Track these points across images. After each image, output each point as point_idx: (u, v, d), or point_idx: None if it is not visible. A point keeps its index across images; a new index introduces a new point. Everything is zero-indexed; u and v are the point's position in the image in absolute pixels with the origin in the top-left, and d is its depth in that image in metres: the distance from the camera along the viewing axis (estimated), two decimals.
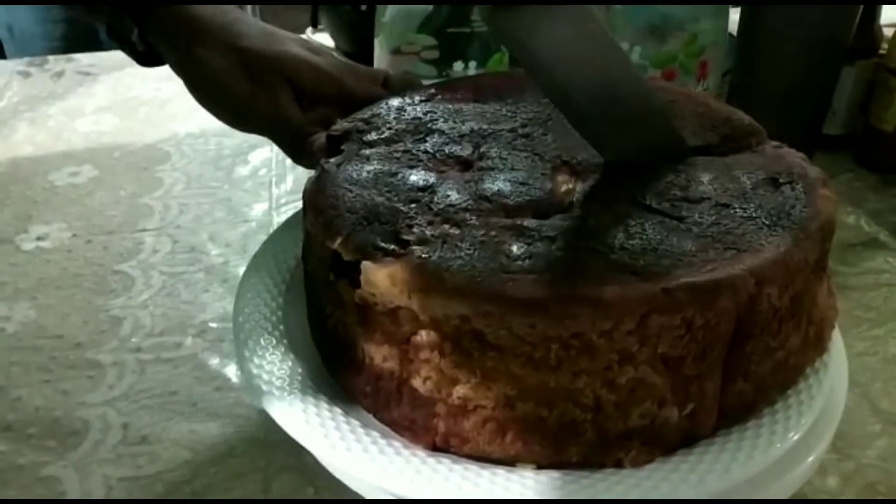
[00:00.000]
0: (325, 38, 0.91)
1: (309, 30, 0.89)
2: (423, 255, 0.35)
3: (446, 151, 0.43)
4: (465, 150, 0.43)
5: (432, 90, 0.50)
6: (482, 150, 0.43)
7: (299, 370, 0.41)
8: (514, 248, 0.36)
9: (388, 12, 0.71)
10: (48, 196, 0.71)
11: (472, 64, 0.69)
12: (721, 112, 0.48)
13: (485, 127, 0.45)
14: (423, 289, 0.34)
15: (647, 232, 0.37)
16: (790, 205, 0.39)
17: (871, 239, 0.67)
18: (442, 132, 0.45)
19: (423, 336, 0.35)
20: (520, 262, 0.35)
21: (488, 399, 0.35)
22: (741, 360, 0.37)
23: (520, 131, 0.45)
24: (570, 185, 0.41)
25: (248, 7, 1.37)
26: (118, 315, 0.57)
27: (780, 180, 0.41)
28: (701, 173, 0.42)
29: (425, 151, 0.43)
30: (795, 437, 0.38)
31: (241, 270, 0.60)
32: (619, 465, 0.36)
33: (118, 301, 0.59)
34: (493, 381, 0.35)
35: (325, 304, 0.40)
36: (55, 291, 0.60)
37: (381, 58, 0.72)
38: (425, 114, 0.47)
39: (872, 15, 0.75)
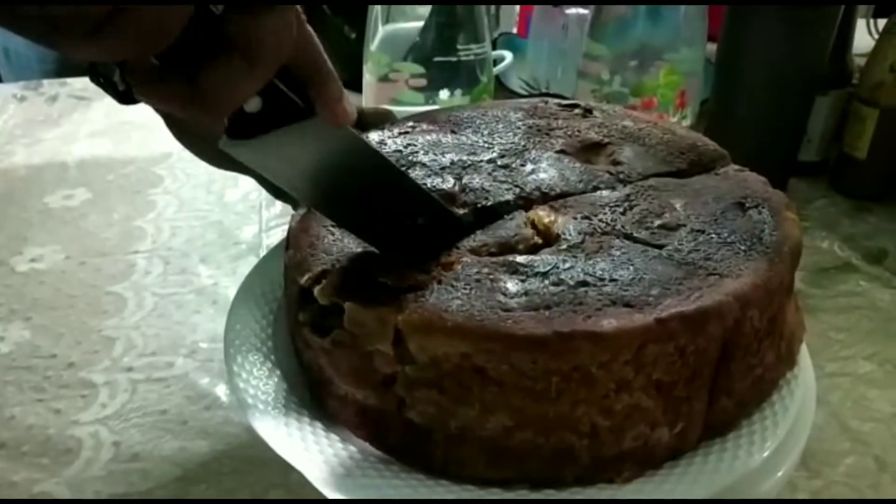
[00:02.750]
0: None
1: None
2: (421, 297, 0.36)
3: (428, 185, 0.44)
4: (446, 183, 0.44)
5: (410, 123, 0.51)
6: (464, 181, 0.45)
7: (285, 388, 0.42)
8: (510, 286, 0.37)
9: (376, 41, 0.73)
10: (43, 218, 0.73)
11: (458, 92, 0.71)
12: (687, 139, 0.51)
13: (464, 158, 0.47)
14: (424, 329, 0.35)
15: (634, 262, 0.39)
16: (759, 229, 0.42)
17: (844, 263, 0.69)
18: (423, 164, 0.46)
19: (419, 375, 0.36)
20: (517, 300, 0.36)
21: (486, 430, 0.36)
22: (726, 379, 0.39)
23: (498, 162, 0.47)
24: (552, 218, 0.42)
25: None
26: (111, 335, 0.59)
27: (747, 204, 0.44)
28: (673, 199, 0.44)
29: None
30: (773, 447, 0.39)
31: (232, 292, 0.62)
32: (609, 482, 0.37)
33: (111, 322, 0.60)
34: (492, 412, 0.36)
35: (295, 340, 0.42)
36: (49, 312, 0.61)
37: (369, 85, 0.74)
38: (406, 146, 0.48)
39: (845, 45, 0.78)
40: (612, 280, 0.37)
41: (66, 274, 0.65)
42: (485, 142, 0.49)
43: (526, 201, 0.44)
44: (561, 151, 0.48)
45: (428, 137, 0.49)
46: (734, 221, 0.42)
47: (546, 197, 0.44)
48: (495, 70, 0.81)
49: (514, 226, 0.42)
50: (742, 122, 0.75)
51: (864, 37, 0.87)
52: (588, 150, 0.49)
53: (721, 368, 0.38)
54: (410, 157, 0.47)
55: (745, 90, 0.74)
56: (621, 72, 0.73)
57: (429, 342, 0.35)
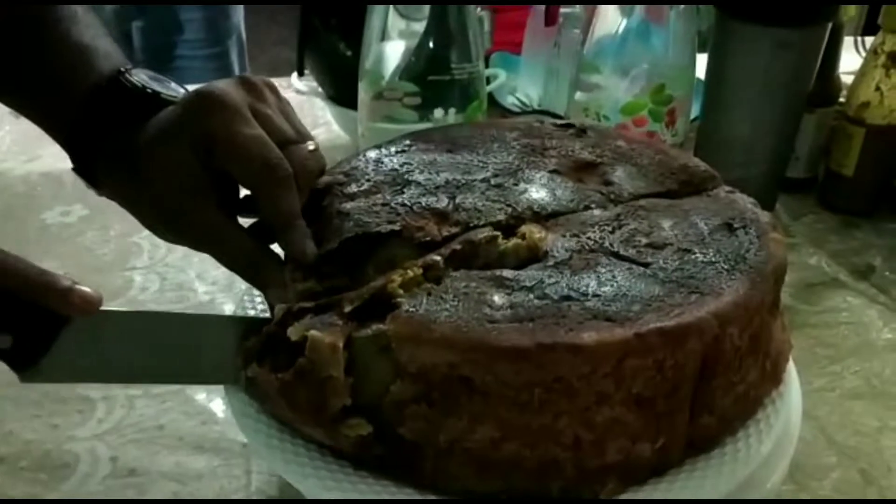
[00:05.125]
0: (310, 84, 0.94)
1: (294, 75, 0.92)
2: (411, 308, 0.38)
3: (423, 204, 0.45)
4: (440, 202, 0.45)
5: (407, 141, 0.52)
6: (457, 201, 0.45)
7: None
8: (497, 299, 0.38)
9: (371, 58, 0.74)
10: (40, 235, 0.73)
11: (452, 110, 0.72)
12: (679, 160, 0.52)
13: (459, 177, 0.48)
14: (413, 339, 0.37)
15: (617, 279, 0.40)
16: (745, 249, 0.43)
17: (831, 279, 0.70)
18: (418, 183, 0.47)
19: (407, 390, 0.37)
20: (502, 312, 0.37)
21: (474, 441, 0.37)
22: (707, 396, 0.40)
23: (492, 181, 0.47)
24: (542, 235, 0.43)
25: (235, 48, 1.40)
26: None
27: (735, 225, 0.45)
28: (662, 220, 0.45)
29: (403, 204, 0.45)
30: (756, 464, 0.40)
31: (228, 308, 0.63)
32: (595, 498, 0.38)
33: None
34: (480, 423, 0.37)
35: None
36: None
37: (364, 102, 0.75)
38: (402, 165, 0.49)
39: (832, 65, 0.79)
40: (595, 295, 0.38)
41: None
42: (479, 161, 0.50)
43: (517, 220, 0.45)
44: (554, 171, 0.49)
45: (424, 156, 0.50)
46: (721, 242, 0.43)
47: (537, 216, 0.45)
48: (488, 88, 0.82)
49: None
50: (731, 139, 0.76)
51: (851, 55, 0.88)
52: (580, 170, 0.50)
53: (702, 385, 0.39)
54: (406, 176, 0.48)
55: (733, 108, 0.75)
56: (612, 90, 0.74)
57: (418, 352, 0.37)
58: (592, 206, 0.47)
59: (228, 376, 0.42)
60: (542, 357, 0.35)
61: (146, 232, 0.73)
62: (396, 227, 0.43)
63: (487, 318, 0.37)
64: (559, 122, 0.56)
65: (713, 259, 0.42)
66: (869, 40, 0.80)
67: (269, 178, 0.43)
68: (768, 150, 0.76)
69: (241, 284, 0.52)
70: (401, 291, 0.39)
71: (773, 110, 0.74)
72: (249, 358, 0.41)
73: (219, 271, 0.68)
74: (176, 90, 0.49)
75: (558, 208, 0.46)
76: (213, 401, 0.55)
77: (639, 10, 0.72)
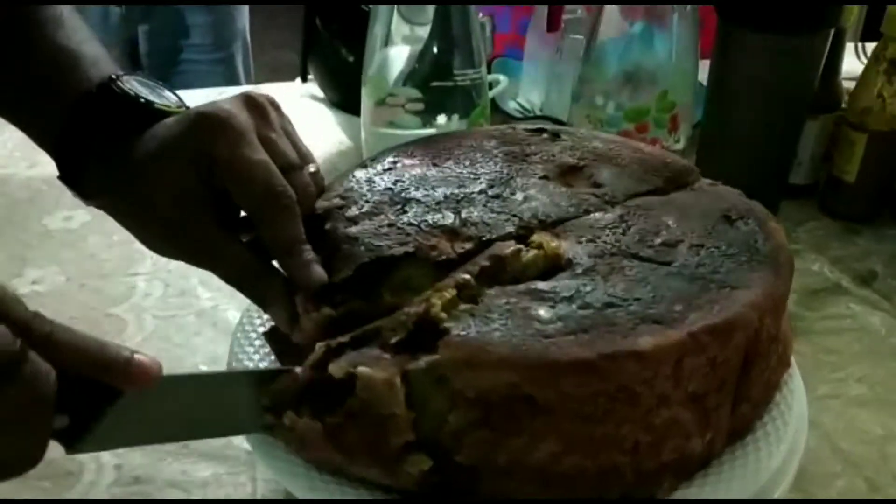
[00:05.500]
0: (314, 89, 0.94)
1: (298, 80, 0.92)
2: (461, 332, 0.37)
3: (430, 222, 0.44)
4: (447, 219, 0.45)
5: (391, 157, 0.51)
6: (463, 216, 0.45)
7: None
8: (543, 313, 0.38)
9: (374, 64, 0.74)
10: (43, 240, 0.73)
11: (455, 116, 0.72)
12: (657, 156, 0.53)
13: (456, 192, 0.47)
14: (470, 363, 0.36)
15: (649, 280, 0.40)
16: (753, 239, 0.44)
17: (834, 285, 0.70)
18: (418, 201, 0.46)
19: (465, 417, 0.37)
20: (554, 326, 0.37)
21: (535, 458, 0.37)
22: (746, 386, 0.42)
23: (490, 193, 0.47)
24: (556, 243, 0.43)
25: (240, 53, 1.39)
26: None
27: (732, 216, 0.46)
28: (664, 217, 0.46)
29: (410, 224, 0.44)
30: (786, 449, 0.42)
31: (231, 314, 0.63)
32: (651, 498, 0.39)
33: None
34: (542, 440, 0.37)
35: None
36: None
37: (367, 108, 0.75)
38: (395, 183, 0.48)
39: (834, 70, 0.79)
40: (635, 299, 0.39)
41: (66, 296, 0.66)
42: (469, 172, 0.50)
43: (526, 230, 0.45)
44: (544, 177, 0.49)
45: (414, 172, 0.50)
46: (727, 234, 0.45)
47: (543, 224, 0.45)
48: (491, 94, 0.83)
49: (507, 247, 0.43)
50: (734, 145, 0.76)
51: (852, 61, 0.88)
52: (567, 174, 0.51)
53: (742, 376, 0.41)
54: (403, 194, 0.47)
55: (736, 114, 0.75)
56: (615, 96, 0.74)
57: (476, 376, 0.36)
58: (592, 209, 0.47)
59: (257, 426, 0.42)
60: (606, 367, 0.36)
61: None
62: (410, 249, 0.43)
63: (541, 334, 0.37)
64: (530, 127, 0.56)
65: (728, 252, 0.43)
66: (869, 46, 0.80)
67: (274, 204, 0.43)
68: (771, 156, 0.76)
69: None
70: (445, 316, 0.38)
71: (776, 116, 0.74)
72: (283, 405, 0.40)
73: None
74: (169, 98, 0.49)
75: (561, 215, 0.46)
76: None
77: (642, 15, 0.72)
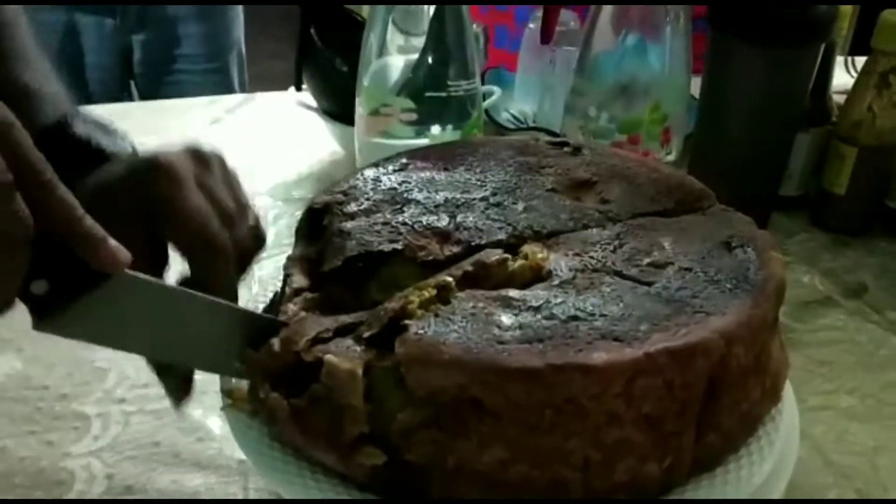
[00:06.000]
0: (307, 99, 0.94)
1: (292, 89, 0.92)
2: (420, 331, 0.37)
3: (424, 223, 0.45)
4: (441, 221, 0.46)
5: (404, 160, 0.52)
6: (458, 220, 0.46)
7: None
8: (505, 319, 0.38)
9: (369, 74, 0.74)
10: None
11: (449, 127, 0.72)
12: (674, 177, 0.52)
13: (458, 196, 0.48)
14: (423, 361, 0.36)
15: (623, 298, 0.40)
16: (745, 267, 0.43)
17: (824, 297, 0.70)
18: (418, 202, 0.47)
19: (416, 416, 0.37)
20: (511, 333, 0.37)
21: (483, 463, 0.37)
22: (713, 415, 0.40)
23: (491, 200, 0.48)
24: (544, 255, 0.43)
25: (235, 63, 1.40)
26: (103, 366, 0.59)
27: (733, 244, 0.45)
28: (662, 238, 0.45)
29: (404, 223, 0.45)
30: (759, 482, 0.41)
31: None
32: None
33: (103, 353, 0.60)
34: (489, 445, 0.37)
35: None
36: (41, 342, 0.61)
37: (361, 118, 0.76)
38: (400, 184, 0.49)
39: (825, 84, 0.80)
40: (602, 315, 0.38)
41: None
42: (477, 179, 0.50)
43: (518, 239, 0.45)
44: (552, 189, 0.50)
45: (422, 175, 0.50)
46: (721, 260, 0.44)
47: (538, 235, 0.46)
48: (484, 104, 0.83)
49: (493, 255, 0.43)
50: (725, 157, 0.76)
51: (842, 74, 0.89)
52: (577, 188, 0.51)
53: (708, 404, 0.39)
54: (405, 195, 0.48)
55: (727, 127, 0.76)
56: (608, 108, 0.74)
57: (427, 375, 0.36)
58: (591, 224, 0.47)
59: (230, 370, 0.42)
60: (553, 378, 0.35)
61: None
62: (399, 247, 0.43)
63: (497, 339, 0.37)
64: (554, 140, 0.57)
65: (715, 278, 0.42)
66: (859, 60, 0.81)
67: (207, 250, 0.43)
68: (762, 169, 0.77)
69: (243, 297, 0.52)
70: (420, 314, 0.39)
71: (767, 129, 0.75)
72: (262, 379, 0.40)
73: None
74: (122, 144, 0.49)
75: (558, 227, 0.46)
76: (210, 418, 0.54)
77: (635, 27, 0.73)
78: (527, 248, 0.44)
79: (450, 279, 0.41)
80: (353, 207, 0.47)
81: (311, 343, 0.39)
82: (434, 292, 0.40)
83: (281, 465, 0.40)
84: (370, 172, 0.51)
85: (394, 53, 0.74)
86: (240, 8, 1.40)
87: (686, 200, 0.50)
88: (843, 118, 0.77)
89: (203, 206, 0.44)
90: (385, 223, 0.45)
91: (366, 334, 0.39)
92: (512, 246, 0.45)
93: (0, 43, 0.50)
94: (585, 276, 0.42)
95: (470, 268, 0.42)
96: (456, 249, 0.44)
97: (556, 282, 0.41)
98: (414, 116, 0.72)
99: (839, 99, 0.80)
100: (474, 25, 0.78)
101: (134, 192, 0.44)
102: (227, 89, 1.36)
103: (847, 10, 0.80)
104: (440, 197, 0.48)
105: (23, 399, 0.56)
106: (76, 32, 1.26)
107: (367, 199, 0.48)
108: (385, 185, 0.49)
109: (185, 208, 0.43)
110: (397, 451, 0.38)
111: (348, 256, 0.43)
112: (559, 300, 0.39)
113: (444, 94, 0.72)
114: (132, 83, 1.37)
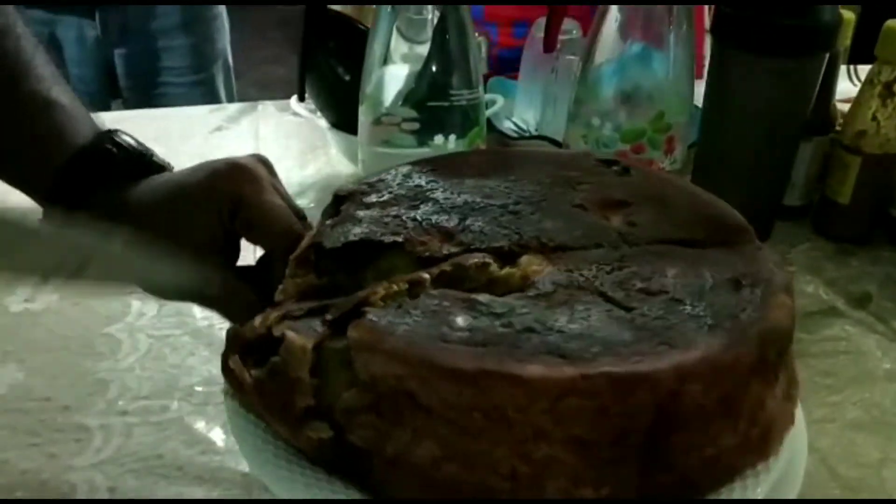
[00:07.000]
0: (310, 107, 0.94)
1: (294, 98, 0.92)
2: (374, 318, 0.38)
3: (432, 221, 0.46)
4: (450, 222, 0.46)
5: (444, 160, 0.54)
6: (467, 222, 0.46)
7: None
8: (460, 320, 0.38)
9: (372, 83, 0.74)
10: None
11: (452, 137, 0.72)
12: (713, 208, 0.50)
13: (478, 200, 0.48)
14: (368, 347, 0.37)
15: (590, 318, 0.39)
16: (741, 307, 0.40)
17: (829, 307, 0.70)
18: (436, 201, 0.48)
19: (359, 398, 0.38)
20: (459, 334, 0.37)
21: (417, 457, 0.37)
22: (663, 452, 0.38)
23: (510, 208, 0.48)
24: (540, 267, 0.43)
25: (220, 74, 1.39)
26: (105, 378, 0.59)
27: (743, 283, 0.42)
28: (670, 267, 0.43)
29: (413, 219, 0.46)
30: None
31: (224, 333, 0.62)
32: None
33: (105, 364, 0.60)
34: (422, 439, 0.37)
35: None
36: (43, 354, 0.61)
37: (364, 127, 0.75)
38: (427, 182, 0.50)
39: (828, 93, 0.80)
40: (559, 331, 0.38)
41: (60, 315, 0.65)
42: (506, 187, 0.50)
43: (521, 248, 0.45)
44: (578, 206, 0.48)
45: (454, 178, 0.51)
46: (720, 297, 0.41)
47: (543, 247, 0.45)
48: (487, 113, 0.83)
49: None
50: (729, 166, 0.76)
51: (845, 83, 0.89)
52: (607, 208, 0.49)
53: (657, 439, 0.37)
54: (427, 193, 0.49)
55: (731, 136, 0.76)
56: (611, 117, 0.74)
57: (371, 361, 0.37)
58: (604, 244, 0.45)
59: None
60: (482, 383, 0.35)
61: None
62: (399, 239, 0.44)
63: (442, 337, 0.37)
64: (605, 158, 0.55)
65: (700, 314, 0.40)
66: (862, 69, 0.81)
67: (290, 243, 0.47)
68: (766, 178, 0.77)
69: None
70: (382, 304, 0.40)
71: (771, 138, 0.75)
72: (234, 351, 0.42)
73: None
74: (157, 153, 0.54)
75: (567, 242, 0.45)
76: (213, 430, 0.54)
77: (639, 36, 0.73)
78: (525, 259, 0.44)
79: (426, 276, 0.42)
80: (373, 198, 0.48)
81: (282, 319, 0.40)
82: (405, 286, 0.41)
83: (272, 460, 0.41)
84: (404, 168, 0.52)
85: (398, 62, 0.74)
86: (224, 18, 1.38)
87: (718, 233, 0.47)
88: (847, 127, 0.77)
89: (282, 204, 0.49)
90: (396, 216, 0.46)
91: (329, 316, 0.39)
92: (512, 254, 0.44)
93: (17, 57, 0.51)
94: (566, 292, 0.41)
95: (448, 268, 0.42)
96: (455, 249, 0.44)
97: (532, 293, 0.41)
98: (416, 126, 0.72)
99: (843, 108, 0.80)
100: (477, 34, 0.78)
101: (219, 192, 0.48)
102: (214, 100, 1.35)
103: (850, 18, 0.80)
104: (460, 199, 0.48)
105: (25, 411, 0.55)
106: (58, 46, 1.24)
107: (390, 193, 0.49)
108: (412, 182, 0.50)
109: (270, 207, 0.48)
110: (342, 431, 0.39)
111: (349, 241, 0.44)
112: (524, 311, 0.39)
113: (446, 104, 0.72)
114: (119, 99, 1.36)
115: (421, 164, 0.52)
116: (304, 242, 0.46)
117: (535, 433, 0.36)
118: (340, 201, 0.49)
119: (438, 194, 0.49)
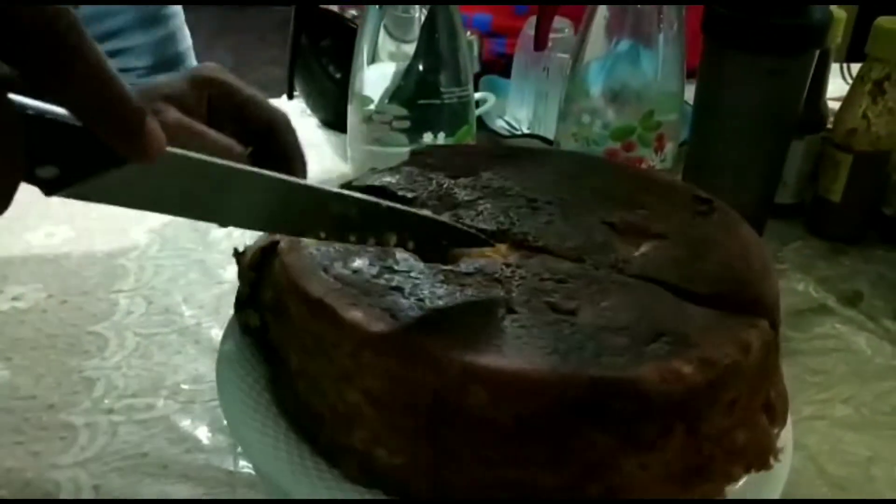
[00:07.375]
0: (300, 106, 0.94)
1: (284, 97, 0.92)
2: (310, 248, 0.43)
3: (434, 197, 0.50)
4: (455, 198, 0.50)
5: (528, 153, 0.59)
6: (470, 201, 0.49)
7: (283, 425, 0.44)
8: (356, 263, 0.42)
9: (362, 81, 0.74)
10: (24, 256, 0.73)
11: (442, 134, 0.72)
12: (743, 273, 0.43)
13: (512, 187, 0.51)
14: (281, 261, 0.44)
15: (464, 302, 0.39)
16: (619, 353, 0.36)
17: (819, 305, 0.70)
18: (455, 179, 0.52)
19: (269, 299, 0.46)
20: (340, 272, 0.41)
21: (296, 364, 0.43)
22: (449, 444, 0.37)
23: (534, 204, 0.49)
24: (499, 257, 0.44)
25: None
26: (91, 376, 0.58)
27: (665, 337, 0.38)
28: (620, 303, 0.40)
29: (415, 192, 0.50)
30: None
31: (215, 332, 0.62)
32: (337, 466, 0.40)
33: (92, 362, 0.60)
34: (292, 346, 0.43)
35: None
36: (29, 352, 0.61)
37: (353, 125, 0.75)
38: (459, 167, 0.54)
39: (819, 91, 0.80)
40: (418, 300, 0.39)
41: (47, 313, 0.65)
42: (555, 187, 0.51)
43: (503, 236, 0.45)
44: (609, 224, 0.47)
45: (493, 168, 0.54)
46: (617, 339, 0.37)
47: (523, 242, 0.45)
48: (478, 111, 0.83)
49: None
50: (720, 165, 0.76)
51: (837, 80, 0.89)
52: (640, 235, 0.46)
53: (441, 427, 0.37)
54: (447, 183, 0.52)
55: (722, 135, 0.75)
56: (601, 115, 0.74)
57: (277, 269, 0.44)
58: (588, 261, 0.43)
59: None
60: (315, 311, 0.39)
61: (133, 254, 0.73)
62: (409, 196, 0.50)
63: (323, 268, 0.41)
64: (703, 196, 0.51)
65: (578, 339, 0.37)
66: (854, 67, 0.81)
67: (282, 118, 0.54)
68: (758, 177, 0.76)
69: (229, 309, 0.52)
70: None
71: (763, 136, 0.74)
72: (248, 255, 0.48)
73: (205, 294, 0.68)
74: None
75: (550, 246, 0.45)
76: (199, 428, 0.54)
77: (628, 34, 0.72)
78: (500, 246, 0.44)
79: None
80: (391, 175, 0.53)
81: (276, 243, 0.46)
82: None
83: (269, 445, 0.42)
84: (444, 151, 0.58)
85: (385, 60, 0.74)
86: (182, 18, 1.34)
87: (726, 298, 0.41)
88: (838, 125, 0.77)
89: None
90: (402, 188, 0.51)
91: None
92: (496, 238, 0.45)
93: None
94: (473, 279, 0.41)
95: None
96: (445, 218, 0.45)
97: (447, 268, 0.42)
98: (406, 124, 0.72)
99: (834, 106, 0.80)
100: (468, 33, 0.78)
101: (204, 81, 0.53)
102: None
103: (842, 16, 0.80)
104: (496, 183, 0.51)
105: (9, 409, 0.55)
106: None
107: (412, 174, 0.53)
108: (441, 163, 0.54)
109: (251, 91, 0.54)
110: (266, 327, 0.46)
111: (351, 182, 0.52)
112: (419, 276, 0.41)
113: (437, 102, 0.72)
114: None
115: (518, 151, 0.58)
116: None
117: (344, 374, 0.39)
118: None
119: (463, 179, 0.52)
